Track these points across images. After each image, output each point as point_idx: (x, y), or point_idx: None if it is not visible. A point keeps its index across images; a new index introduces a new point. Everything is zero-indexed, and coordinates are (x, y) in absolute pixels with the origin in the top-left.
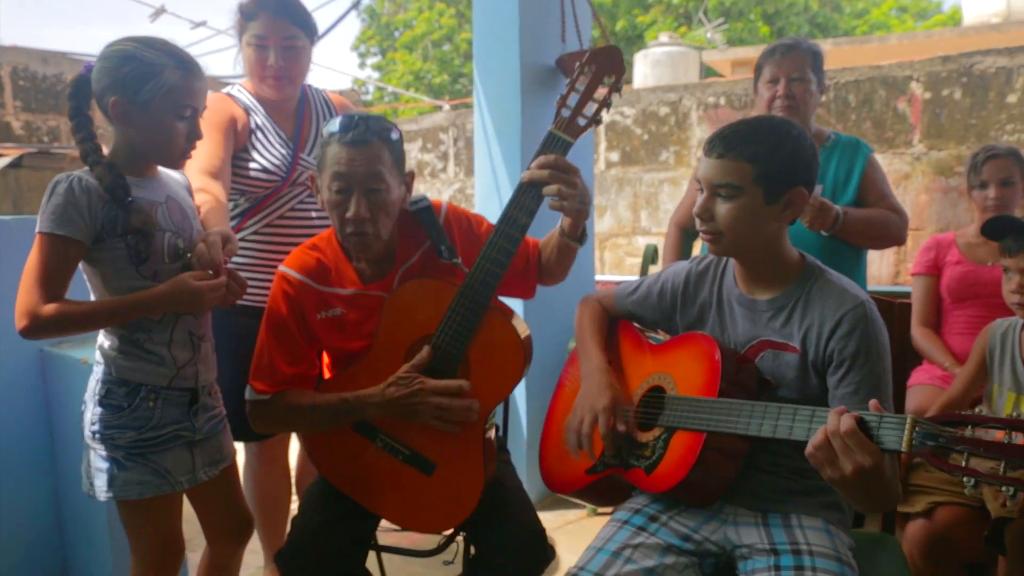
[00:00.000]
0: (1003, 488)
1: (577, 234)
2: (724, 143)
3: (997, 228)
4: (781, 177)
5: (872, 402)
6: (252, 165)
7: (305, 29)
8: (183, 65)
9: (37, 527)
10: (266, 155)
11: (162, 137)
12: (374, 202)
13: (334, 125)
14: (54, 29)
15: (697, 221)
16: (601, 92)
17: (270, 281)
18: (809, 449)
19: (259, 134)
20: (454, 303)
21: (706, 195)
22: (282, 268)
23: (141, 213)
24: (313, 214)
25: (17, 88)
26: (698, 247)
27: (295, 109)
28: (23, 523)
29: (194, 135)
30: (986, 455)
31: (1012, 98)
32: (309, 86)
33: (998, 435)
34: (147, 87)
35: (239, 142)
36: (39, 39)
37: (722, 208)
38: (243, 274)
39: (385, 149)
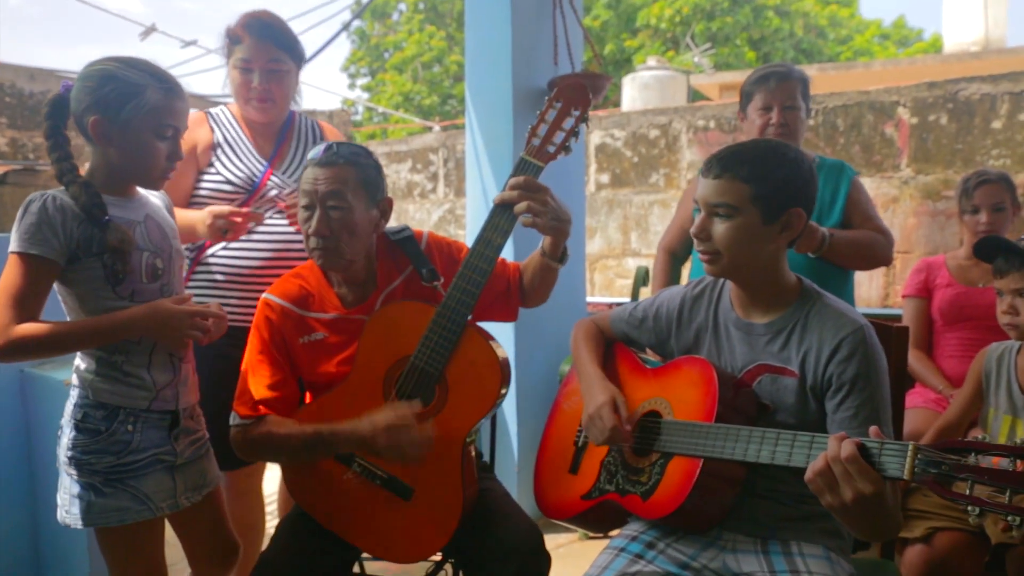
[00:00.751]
0: (1008, 517)
1: (558, 254)
2: (721, 164)
3: (988, 249)
4: (778, 198)
5: (872, 428)
6: (215, 178)
7: (290, 53)
8: (165, 85)
9: (12, 555)
10: (230, 167)
11: (142, 157)
12: (334, 219)
13: (314, 152)
14: (43, 48)
15: (695, 241)
16: (569, 123)
17: (241, 298)
18: (809, 475)
19: (225, 148)
20: (432, 323)
21: (703, 215)
22: (265, 295)
23: (118, 231)
24: (291, 229)
25: (3, 105)
26: (686, 272)
27: (278, 130)
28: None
29: (175, 155)
30: (991, 483)
31: (996, 124)
32: (300, 114)
33: (994, 460)
34: (128, 107)
35: (201, 164)
36: (29, 57)
37: (719, 228)
38: (213, 292)
39: (352, 171)
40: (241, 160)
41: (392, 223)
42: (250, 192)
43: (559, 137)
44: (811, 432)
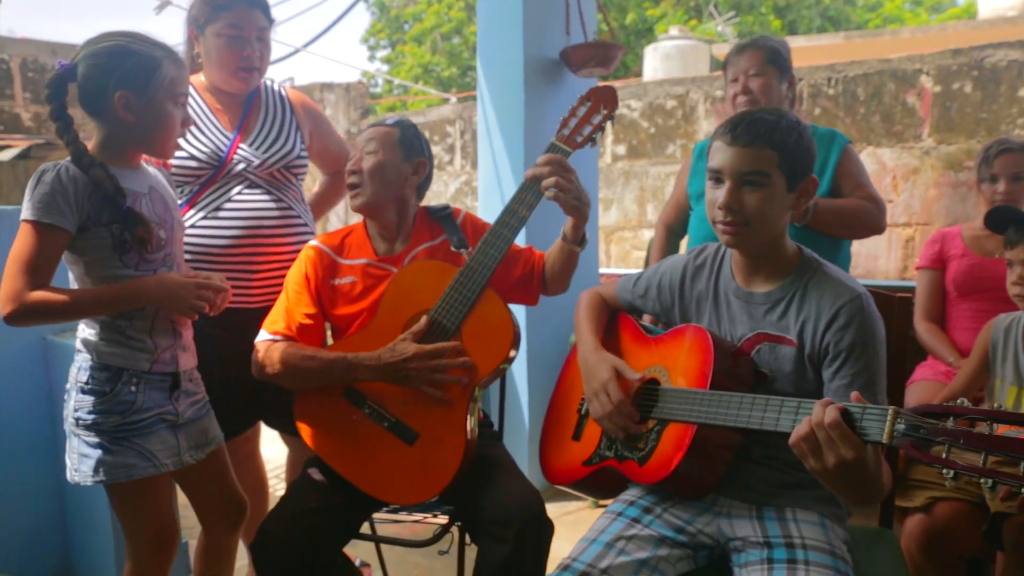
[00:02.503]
0: (982, 481)
1: (578, 238)
2: (750, 130)
3: (1000, 219)
4: (800, 164)
5: (853, 394)
6: (179, 154)
7: (270, 20)
8: (172, 55)
9: (40, 516)
10: (194, 143)
11: (164, 127)
12: (367, 162)
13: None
14: (63, 22)
15: (719, 213)
16: (597, 119)
17: (227, 273)
18: (793, 439)
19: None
20: (454, 281)
21: (730, 184)
22: (312, 242)
23: (142, 223)
24: (262, 204)
25: (26, 80)
26: (683, 247)
27: (243, 101)
28: (26, 512)
29: (187, 121)
30: (966, 447)
31: (1023, 91)
32: (265, 81)
33: (1000, 429)
34: (153, 80)
35: None
36: (49, 32)
37: (751, 197)
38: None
39: (395, 131)
40: (205, 134)
41: (436, 200)
42: (216, 167)
43: (587, 130)
44: (799, 399)
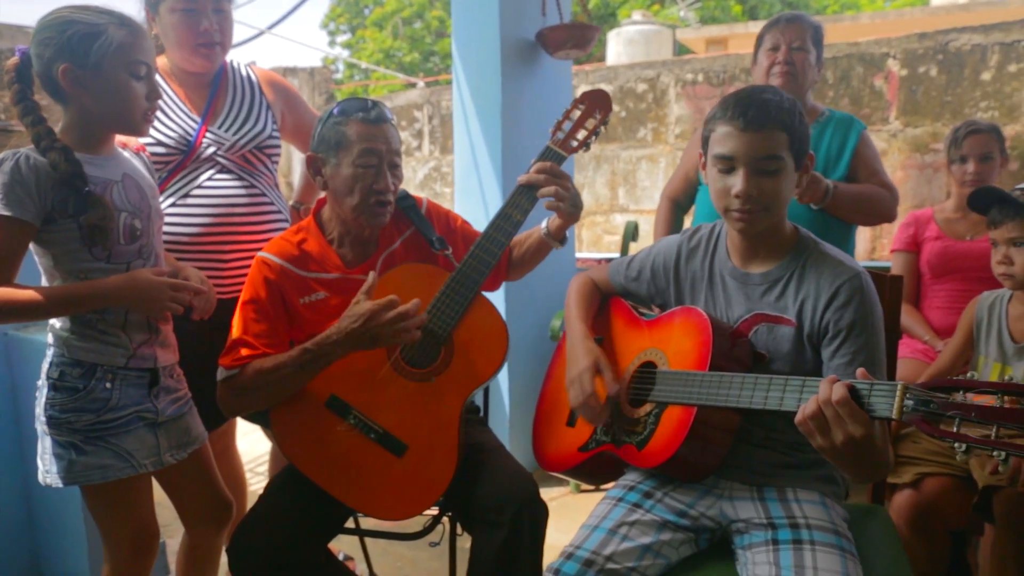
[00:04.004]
0: (995, 453)
1: (562, 236)
2: (762, 114)
3: (982, 200)
4: (805, 142)
5: (860, 370)
6: (145, 141)
7: None
8: (125, 22)
9: (5, 520)
10: (161, 128)
11: (120, 100)
12: (396, 176)
13: (346, 106)
14: (13, 3)
15: (736, 201)
16: (592, 123)
17: (197, 263)
18: (799, 418)
19: None
20: (445, 287)
21: (746, 171)
22: (262, 254)
23: (99, 207)
24: (233, 189)
25: None
26: (688, 222)
27: (210, 82)
28: None
29: (154, 94)
30: (977, 420)
31: (986, 75)
32: (231, 60)
33: (990, 401)
34: (95, 47)
35: None
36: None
37: (768, 183)
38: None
39: (395, 129)
40: (172, 119)
41: None
42: (185, 152)
43: (581, 134)
44: (802, 377)
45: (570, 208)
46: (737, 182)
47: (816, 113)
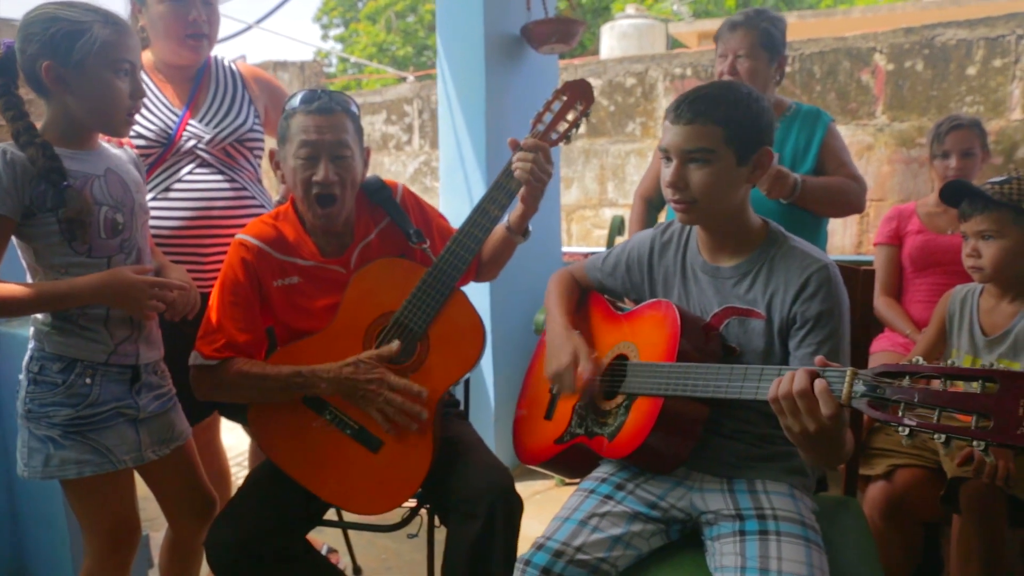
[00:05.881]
0: (935, 436)
1: (523, 229)
2: (692, 108)
3: (953, 193)
4: (750, 137)
5: (818, 358)
6: None
7: None
8: (111, 20)
9: None
10: (141, 121)
11: (103, 99)
12: (341, 167)
13: (296, 99)
14: None
15: (668, 191)
16: (573, 115)
17: (177, 257)
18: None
19: None
20: (421, 283)
21: (676, 163)
22: (240, 236)
23: (76, 200)
24: (214, 184)
25: None
26: (663, 219)
27: (192, 76)
28: None
29: (137, 92)
30: (921, 404)
31: (972, 70)
32: (215, 55)
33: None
34: (78, 45)
35: None
36: None
37: (696, 175)
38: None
39: (347, 119)
40: (153, 112)
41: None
42: (165, 146)
43: (562, 126)
44: (760, 366)
45: (537, 192)
46: (668, 172)
47: (783, 108)
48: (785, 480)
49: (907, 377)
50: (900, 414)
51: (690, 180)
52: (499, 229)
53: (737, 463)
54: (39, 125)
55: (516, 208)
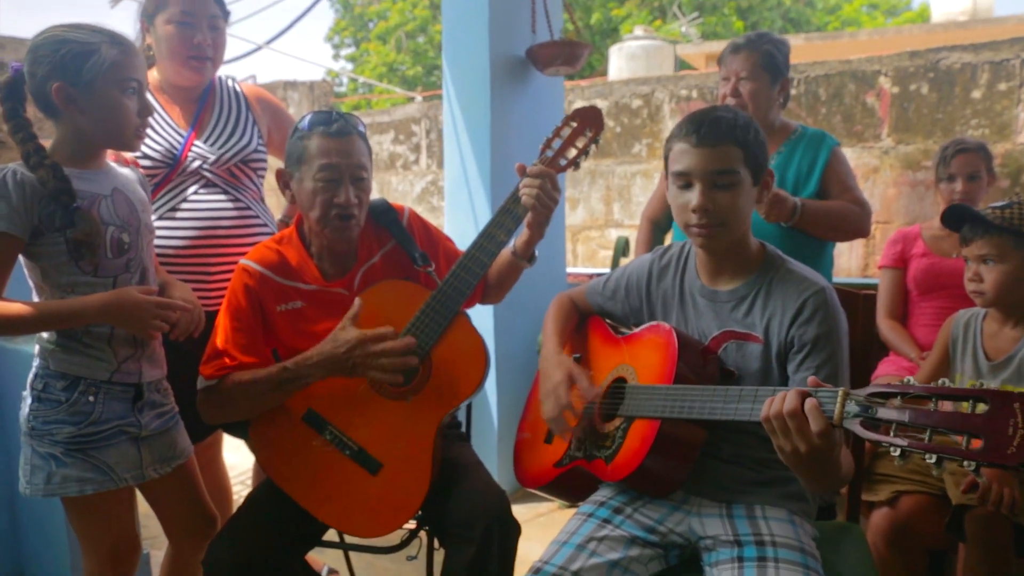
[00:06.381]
0: (926, 456)
1: (529, 254)
2: (714, 130)
3: (955, 217)
4: (760, 157)
5: (810, 378)
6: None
7: (223, 10)
8: (117, 41)
9: None
10: (147, 141)
11: (112, 118)
12: (360, 189)
13: (308, 121)
14: (11, 13)
15: (693, 216)
16: (582, 142)
17: (182, 277)
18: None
19: None
20: (426, 305)
21: (702, 187)
22: (243, 261)
23: (85, 222)
24: (219, 204)
25: None
26: (668, 241)
27: (198, 96)
28: None
29: (145, 110)
30: (912, 424)
31: (976, 93)
32: (219, 76)
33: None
34: (87, 66)
35: None
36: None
37: (723, 198)
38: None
39: (362, 141)
40: (159, 132)
41: (373, 195)
42: (171, 166)
43: (571, 152)
44: (755, 387)
45: (543, 218)
46: (693, 197)
47: (788, 131)
48: (784, 506)
49: (899, 397)
50: (891, 434)
51: (717, 202)
52: (505, 254)
53: (735, 488)
54: (47, 145)
55: (522, 233)
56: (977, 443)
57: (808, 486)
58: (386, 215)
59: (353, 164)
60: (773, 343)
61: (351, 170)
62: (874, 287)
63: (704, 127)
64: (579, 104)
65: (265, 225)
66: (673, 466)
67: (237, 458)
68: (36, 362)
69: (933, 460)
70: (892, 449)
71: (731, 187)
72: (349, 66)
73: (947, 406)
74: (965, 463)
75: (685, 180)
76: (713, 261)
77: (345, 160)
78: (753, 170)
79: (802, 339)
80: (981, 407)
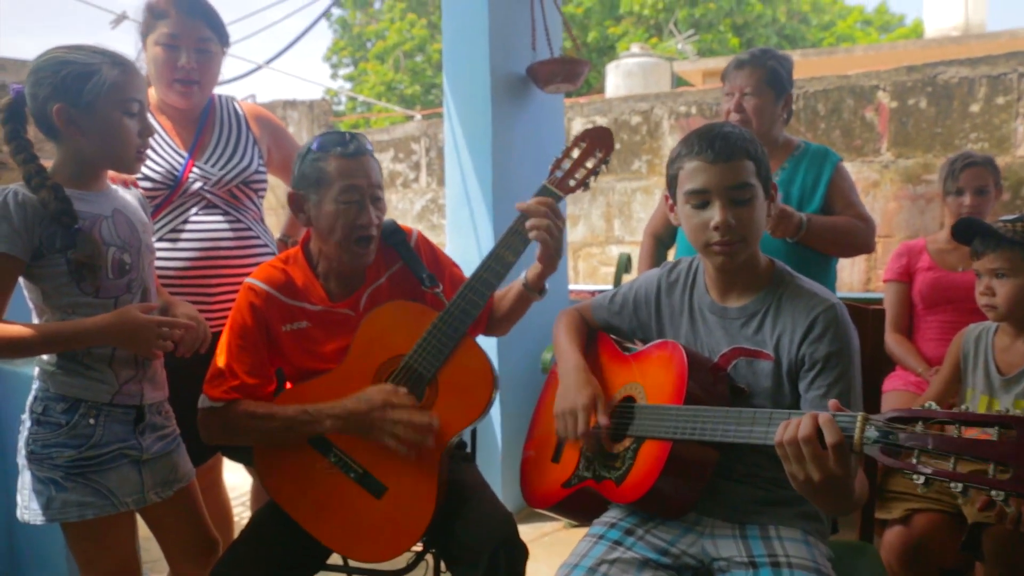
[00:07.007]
0: (952, 485)
1: (541, 286)
2: (727, 145)
3: (965, 231)
4: (768, 171)
5: (832, 402)
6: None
7: (218, 34)
8: (118, 61)
9: None
10: (147, 163)
11: (114, 138)
12: (379, 208)
13: (321, 143)
14: (9, 36)
15: (715, 234)
16: (592, 162)
17: (184, 298)
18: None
19: None
20: (432, 327)
21: (721, 203)
22: (249, 280)
23: (86, 244)
24: (220, 225)
25: None
26: (671, 256)
27: (197, 117)
28: None
29: (146, 131)
30: (936, 451)
31: (975, 107)
32: (219, 96)
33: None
34: (88, 87)
35: None
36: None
37: (743, 212)
38: None
39: (375, 161)
40: (159, 153)
41: None
42: (172, 187)
43: (580, 173)
44: (769, 410)
45: (554, 249)
46: (714, 214)
47: (791, 147)
48: (799, 526)
49: (920, 423)
50: (915, 461)
51: (739, 218)
52: (515, 286)
53: (749, 508)
54: (48, 166)
55: (534, 266)
56: (1005, 472)
57: (821, 509)
58: (394, 236)
59: (372, 184)
60: (784, 360)
61: (371, 190)
62: (878, 302)
63: (718, 143)
64: (578, 121)
65: (266, 246)
66: (685, 487)
67: (237, 479)
68: (36, 385)
69: (959, 489)
70: (915, 477)
71: (749, 201)
72: (347, 85)
73: (971, 431)
74: (993, 493)
75: (702, 198)
76: (723, 277)
77: (365, 180)
78: (764, 182)
79: (813, 357)
80: (1008, 433)
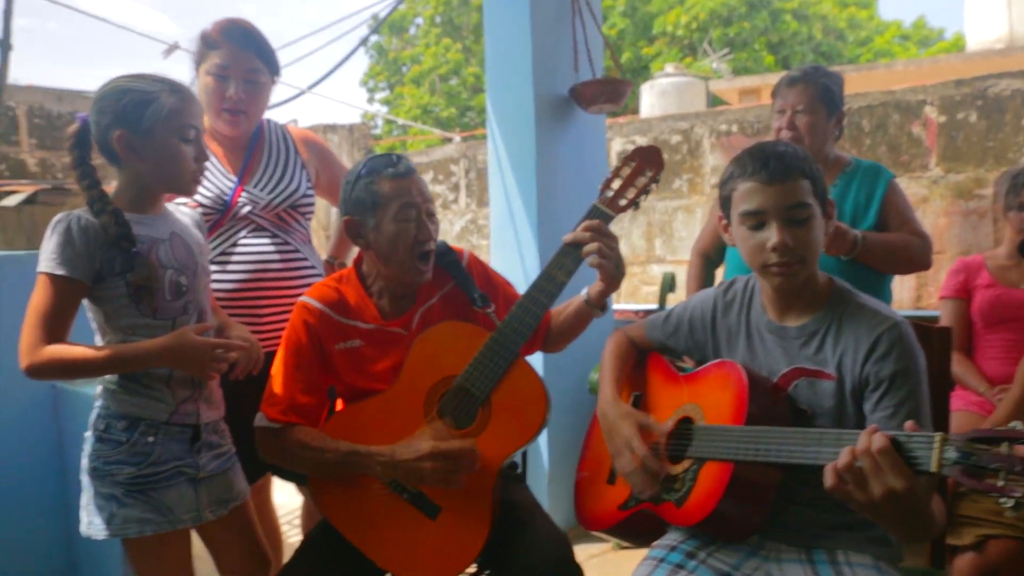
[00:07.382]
0: None
1: (603, 303)
2: (783, 165)
3: None
4: (824, 188)
5: (908, 423)
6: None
7: (268, 65)
8: (176, 89)
9: (49, 569)
10: (198, 189)
11: (171, 163)
12: (435, 224)
13: (369, 166)
14: (68, 67)
15: (773, 255)
16: (642, 181)
17: (234, 319)
18: (831, 479)
19: None
20: (485, 348)
21: (778, 223)
22: (303, 299)
23: (144, 267)
24: (269, 248)
25: (32, 126)
26: (720, 275)
27: (247, 143)
28: (35, 564)
29: (202, 156)
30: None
31: None
32: (268, 120)
33: None
34: (147, 114)
35: None
36: (53, 78)
37: (801, 232)
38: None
39: (423, 180)
40: (209, 179)
41: None
42: (221, 212)
43: (630, 193)
44: (841, 430)
45: (614, 269)
46: (772, 235)
47: (842, 164)
48: (868, 551)
49: (1005, 443)
50: (1001, 484)
51: (797, 237)
52: (576, 301)
53: (816, 532)
54: (110, 191)
55: (596, 284)
56: None
57: (897, 535)
58: (446, 256)
59: (426, 200)
60: (847, 380)
61: (425, 206)
62: (930, 319)
63: (772, 162)
64: (617, 141)
65: (313, 267)
66: (749, 510)
67: (284, 498)
68: (98, 403)
69: None
70: (1002, 500)
71: (806, 221)
72: (384, 109)
73: None
74: None
75: (758, 220)
76: (782, 296)
77: (420, 197)
78: (820, 201)
79: (878, 376)
80: None
